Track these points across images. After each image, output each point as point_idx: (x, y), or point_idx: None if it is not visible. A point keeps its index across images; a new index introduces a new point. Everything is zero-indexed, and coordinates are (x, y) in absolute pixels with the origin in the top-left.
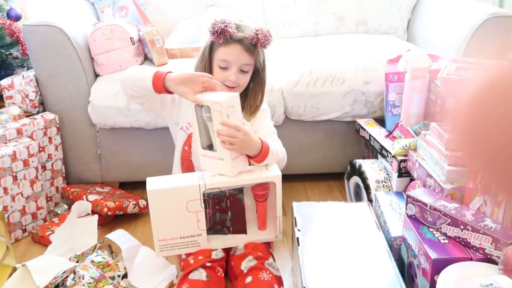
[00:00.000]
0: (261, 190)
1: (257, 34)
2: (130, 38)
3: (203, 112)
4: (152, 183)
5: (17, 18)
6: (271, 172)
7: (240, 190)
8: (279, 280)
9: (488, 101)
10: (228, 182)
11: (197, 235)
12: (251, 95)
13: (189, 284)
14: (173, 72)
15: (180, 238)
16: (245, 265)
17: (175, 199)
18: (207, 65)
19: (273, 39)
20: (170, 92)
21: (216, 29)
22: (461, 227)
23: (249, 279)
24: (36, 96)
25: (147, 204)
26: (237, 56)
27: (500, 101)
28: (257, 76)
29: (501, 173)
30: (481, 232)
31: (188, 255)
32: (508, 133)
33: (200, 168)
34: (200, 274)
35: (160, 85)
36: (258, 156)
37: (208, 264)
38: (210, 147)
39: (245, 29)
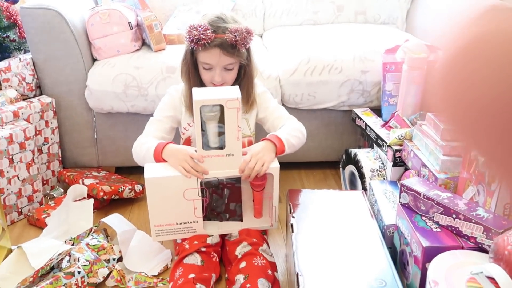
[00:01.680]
0: (259, 181)
1: (235, 36)
2: (128, 23)
3: (204, 111)
4: (150, 170)
5: (15, 0)
6: None
7: (237, 178)
8: (273, 266)
9: (466, 63)
10: (226, 172)
11: (194, 222)
12: (242, 88)
13: (184, 268)
14: (166, 149)
15: (177, 224)
16: (240, 250)
17: (172, 187)
18: (190, 67)
19: (253, 37)
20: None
21: (191, 37)
22: (454, 216)
23: (243, 264)
24: (33, 80)
25: (143, 189)
26: (217, 59)
27: (479, 63)
28: (244, 71)
29: (478, 135)
30: (473, 221)
31: (183, 239)
32: (486, 96)
33: None
34: (195, 259)
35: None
36: (277, 153)
37: (203, 249)
38: (206, 147)
39: (223, 30)
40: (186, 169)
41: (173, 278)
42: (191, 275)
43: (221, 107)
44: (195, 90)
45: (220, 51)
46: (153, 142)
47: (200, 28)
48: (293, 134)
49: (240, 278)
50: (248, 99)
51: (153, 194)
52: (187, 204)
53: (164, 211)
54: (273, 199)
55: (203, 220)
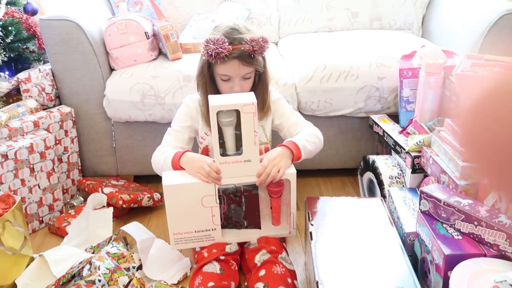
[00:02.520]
0: (276, 187)
1: (252, 46)
2: (145, 32)
3: (221, 117)
4: (168, 178)
5: (34, 12)
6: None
7: (255, 186)
8: (292, 274)
9: (492, 102)
10: (244, 178)
11: (212, 230)
12: (258, 94)
13: (203, 276)
14: (184, 157)
15: (195, 232)
16: (259, 258)
17: (190, 194)
18: (207, 79)
19: (269, 44)
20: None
21: (209, 52)
22: (475, 223)
23: (262, 272)
24: (52, 90)
25: (162, 197)
26: (236, 70)
27: (503, 104)
28: (259, 78)
29: (498, 172)
30: (495, 228)
31: (202, 248)
32: (507, 134)
33: None
34: (213, 267)
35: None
36: (293, 159)
37: (222, 257)
38: (224, 153)
39: (240, 41)
40: (203, 176)
41: (193, 286)
42: (211, 283)
43: (237, 113)
44: (211, 97)
45: (238, 62)
46: (171, 151)
47: (217, 42)
48: (309, 140)
49: (259, 286)
50: (263, 106)
51: (171, 202)
52: (205, 212)
53: (183, 218)
54: (291, 205)
55: (221, 228)
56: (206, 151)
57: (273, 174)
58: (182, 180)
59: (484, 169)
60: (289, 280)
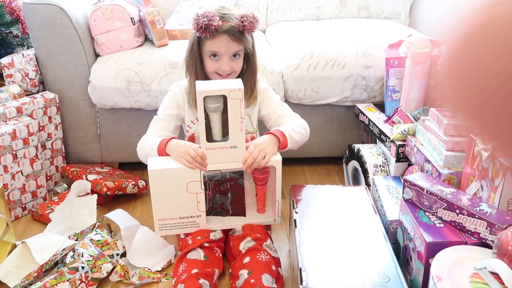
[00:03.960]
0: (261, 174)
1: (242, 22)
2: (131, 18)
3: (207, 103)
4: (153, 163)
5: None
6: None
7: (241, 173)
8: (276, 261)
9: (473, 43)
10: (230, 165)
11: (197, 216)
12: (246, 79)
13: (187, 263)
14: (170, 143)
15: (180, 218)
16: (244, 246)
17: (175, 179)
18: (197, 58)
19: (259, 23)
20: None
21: (200, 24)
22: (457, 211)
23: (247, 260)
24: (36, 75)
25: (146, 184)
26: (226, 46)
27: (485, 43)
28: (248, 61)
29: (479, 115)
30: (476, 216)
31: (186, 235)
32: (489, 74)
33: None
34: (198, 254)
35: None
36: (279, 148)
37: (206, 245)
38: (210, 139)
39: (230, 17)
40: (188, 161)
41: (177, 273)
42: (194, 270)
43: (224, 99)
44: (198, 83)
45: (228, 37)
46: (157, 139)
47: (207, 15)
48: (296, 130)
49: (244, 273)
50: (251, 92)
51: (157, 187)
52: (190, 198)
53: (168, 204)
54: (276, 193)
55: (207, 215)
56: (192, 140)
57: (259, 160)
58: (168, 165)
59: (469, 116)
60: (274, 268)
